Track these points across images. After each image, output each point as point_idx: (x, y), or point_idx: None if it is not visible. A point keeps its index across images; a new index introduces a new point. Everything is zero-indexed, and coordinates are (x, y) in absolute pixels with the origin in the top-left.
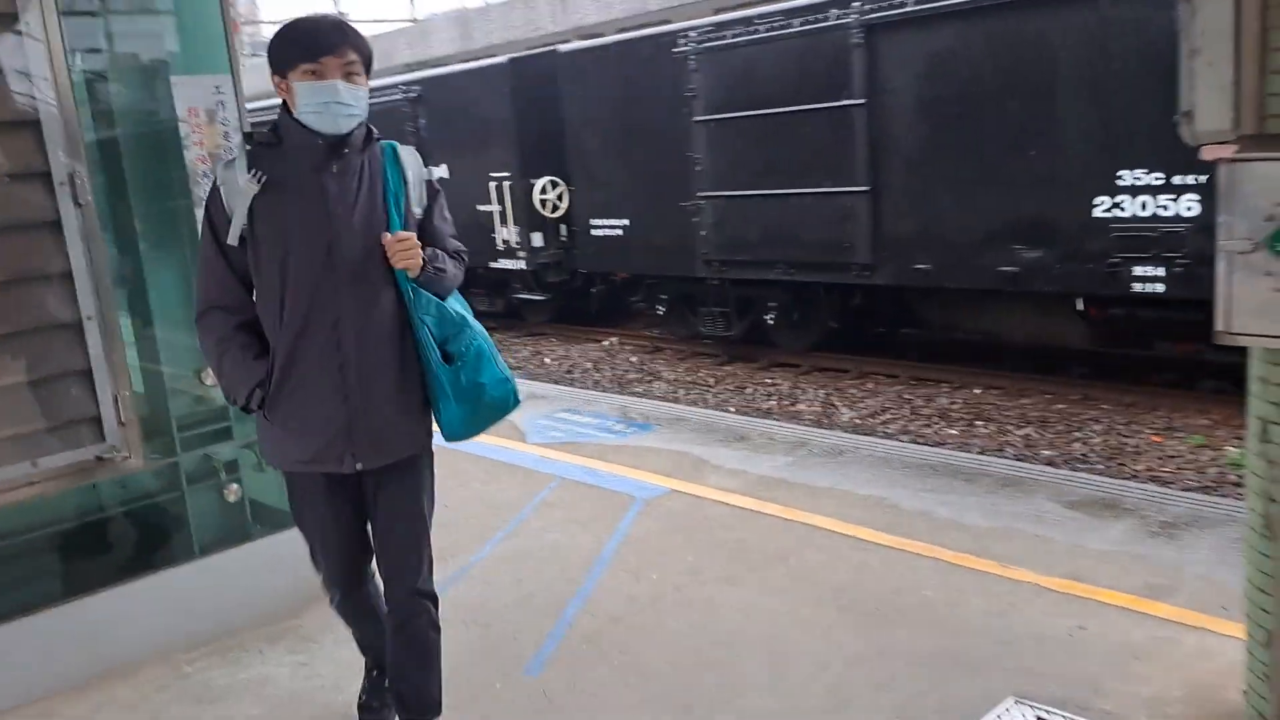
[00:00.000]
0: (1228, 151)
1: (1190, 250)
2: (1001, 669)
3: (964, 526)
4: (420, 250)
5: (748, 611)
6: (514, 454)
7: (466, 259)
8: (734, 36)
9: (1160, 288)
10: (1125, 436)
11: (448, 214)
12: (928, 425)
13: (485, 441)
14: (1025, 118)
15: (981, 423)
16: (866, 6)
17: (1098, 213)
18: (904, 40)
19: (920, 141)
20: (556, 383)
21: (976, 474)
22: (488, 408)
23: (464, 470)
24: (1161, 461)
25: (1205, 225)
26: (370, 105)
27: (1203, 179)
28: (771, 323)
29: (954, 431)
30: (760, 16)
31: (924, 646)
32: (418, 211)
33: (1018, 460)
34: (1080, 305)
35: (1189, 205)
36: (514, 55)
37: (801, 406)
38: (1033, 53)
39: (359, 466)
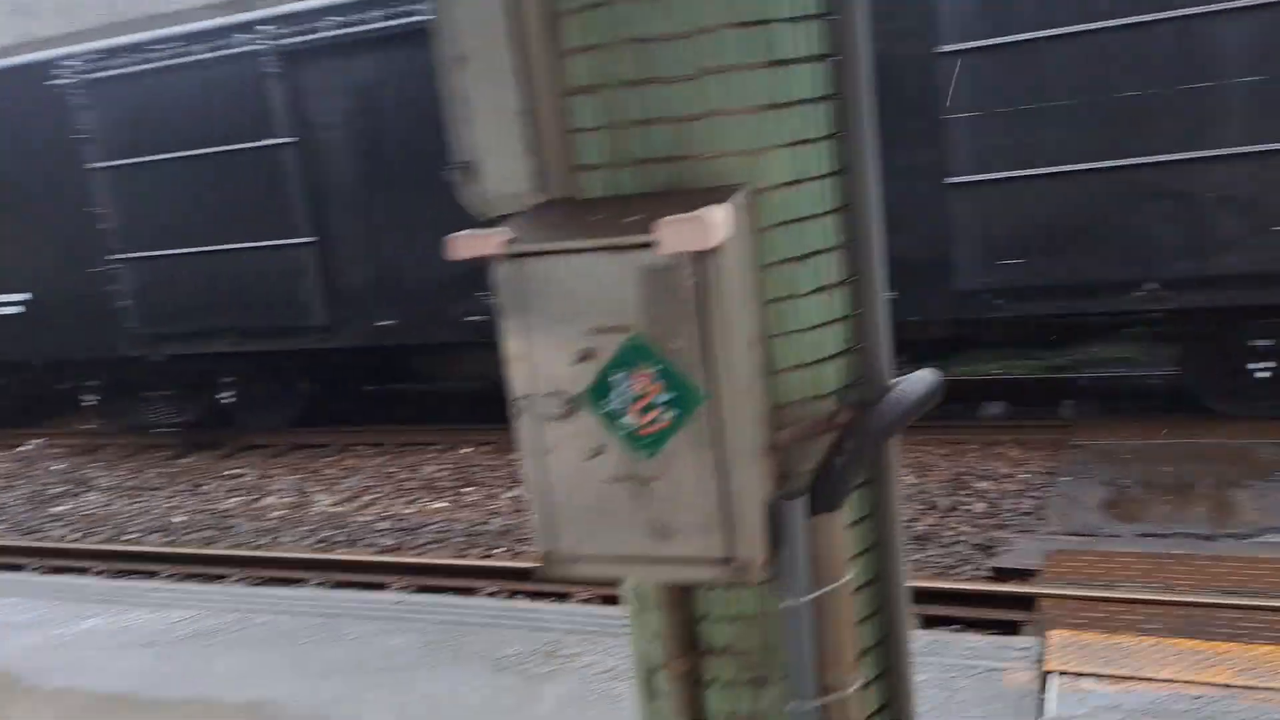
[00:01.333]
0: (497, 245)
1: None
2: None
3: None
4: None
5: None
6: None
7: None
8: (129, 66)
9: None
10: None
11: None
12: (412, 502)
13: None
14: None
15: (471, 488)
16: (281, 31)
17: None
18: (328, 70)
19: (361, 182)
20: None
21: (406, 620)
22: None
23: None
24: None
25: None
26: None
27: None
28: (232, 401)
29: (441, 505)
30: (154, 42)
31: None
32: None
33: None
34: None
35: None
36: None
37: (271, 499)
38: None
39: None
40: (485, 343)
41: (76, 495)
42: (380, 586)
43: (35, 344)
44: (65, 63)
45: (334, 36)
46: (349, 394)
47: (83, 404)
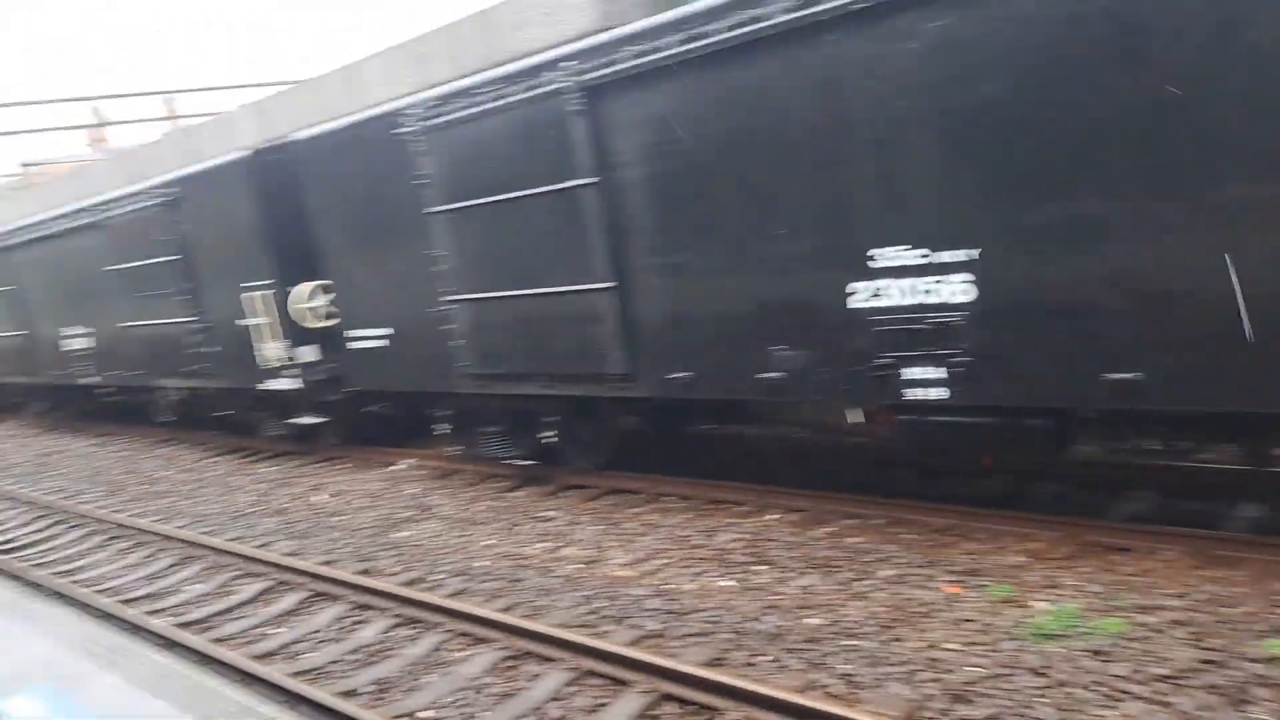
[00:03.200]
0: None
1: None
2: None
3: None
4: None
5: None
6: None
7: None
8: (458, 110)
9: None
10: (917, 586)
11: None
12: (698, 576)
13: None
14: (764, 189)
15: (763, 566)
16: (584, 65)
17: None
18: (628, 103)
19: (659, 221)
20: (305, 535)
21: None
22: None
23: None
24: (949, 630)
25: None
26: (123, 213)
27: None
28: (554, 441)
29: (726, 584)
30: (481, 86)
31: None
32: None
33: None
34: (858, 416)
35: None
36: (257, 146)
37: (570, 550)
38: (761, 107)
39: None
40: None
41: (418, 522)
42: (621, 684)
43: (397, 375)
44: (408, 111)
45: (632, 67)
46: (671, 437)
47: (440, 431)
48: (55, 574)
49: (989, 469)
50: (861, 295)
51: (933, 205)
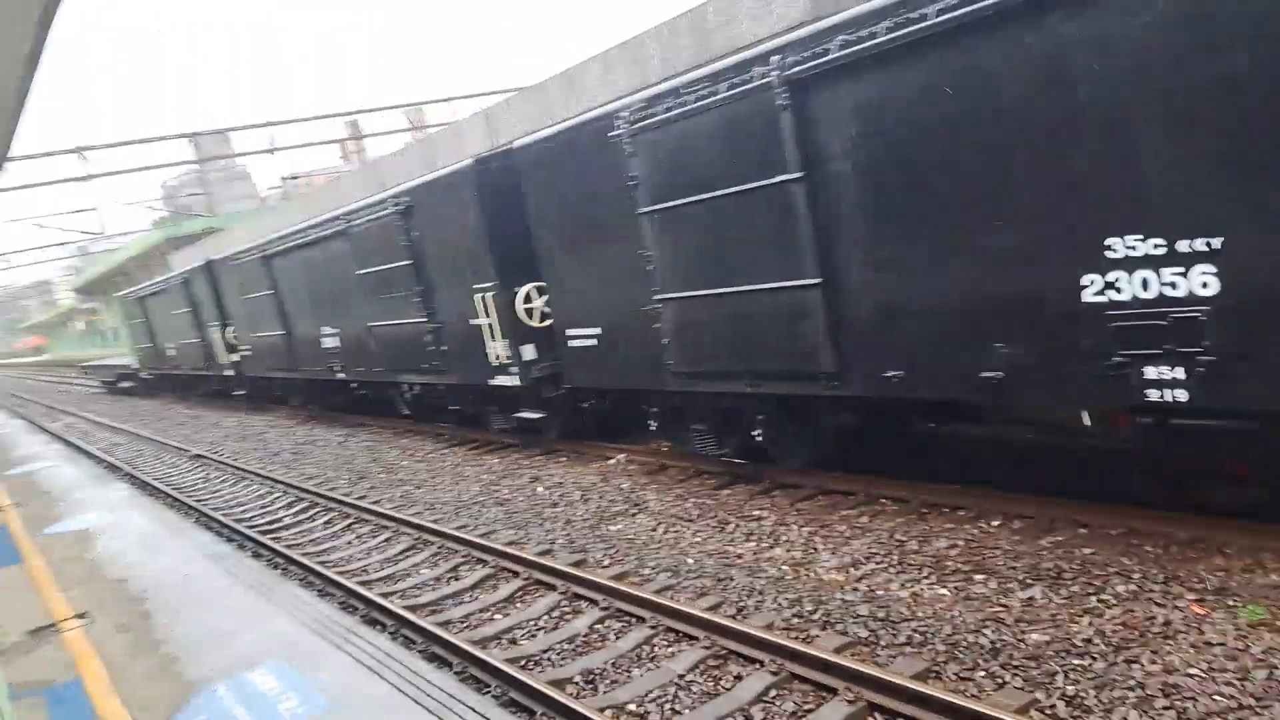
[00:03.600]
0: None
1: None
2: None
3: None
4: None
5: None
6: None
7: None
8: (665, 111)
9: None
10: (1155, 604)
11: None
12: (911, 583)
13: None
14: (984, 178)
15: (982, 576)
16: (789, 59)
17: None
18: (836, 95)
19: (866, 215)
20: (524, 525)
21: None
22: None
23: None
24: (1191, 654)
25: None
26: (364, 221)
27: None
28: (761, 440)
29: (943, 592)
30: (688, 85)
31: None
32: None
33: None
34: (1086, 419)
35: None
36: (479, 155)
37: (779, 551)
38: (979, 92)
39: None
40: (1000, 403)
41: (630, 516)
42: (827, 690)
43: (607, 373)
44: (619, 114)
45: (840, 57)
46: (884, 437)
47: (651, 427)
48: (305, 554)
49: (1244, 477)
50: (1097, 288)
51: (1174, 191)
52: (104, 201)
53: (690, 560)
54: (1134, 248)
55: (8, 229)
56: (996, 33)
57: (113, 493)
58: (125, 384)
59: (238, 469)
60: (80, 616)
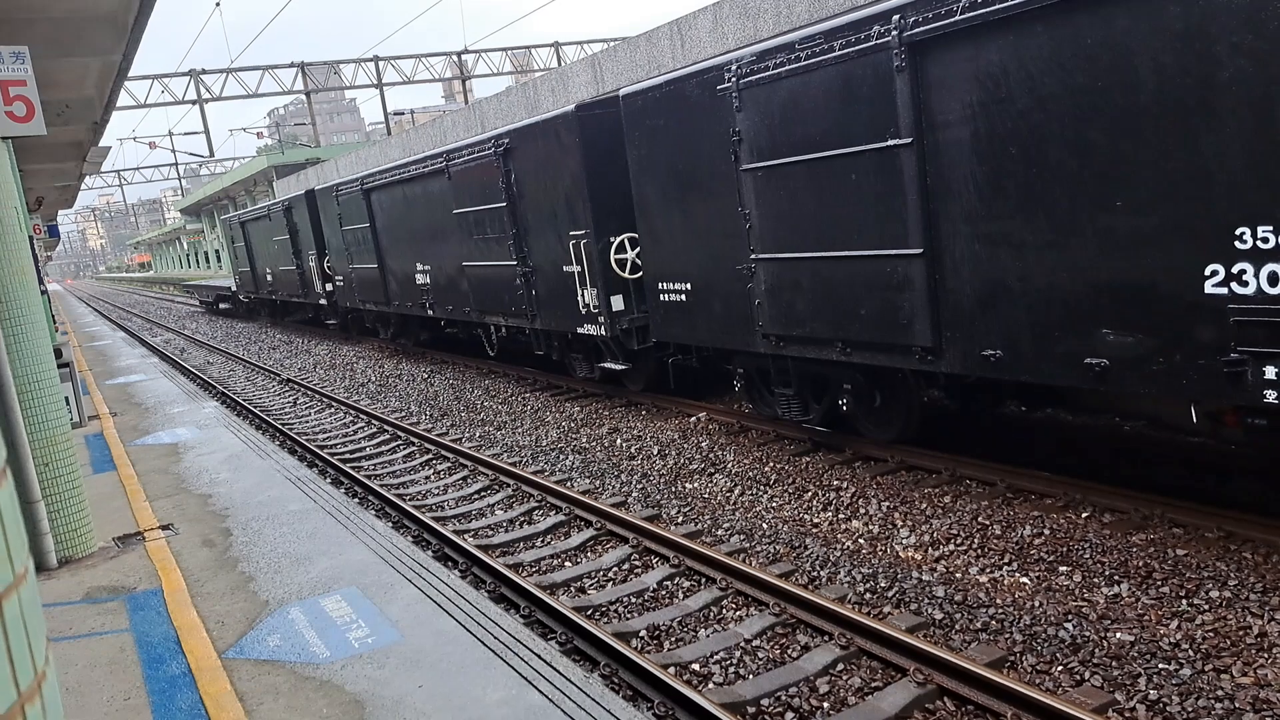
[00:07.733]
0: None
1: None
2: None
3: None
4: None
5: None
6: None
7: None
8: (776, 67)
9: None
10: (1251, 614)
11: None
12: (992, 569)
13: None
14: (1107, 155)
15: (1067, 568)
16: (910, 20)
17: (1210, 287)
18: (955, 59)
19: (977, 186)
20: (601, 475)
21: None
22: None
23: None
24: None
25: None
26: (463, 161)
27: None
28: (846, 409)
29: (1025, 581)
30: (803, 41)
31: None
32: None
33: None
34: (1193, 416)
35: None
36: (581, 102)
37: (855, 524)
38: (1108, 63)
39: None
40: (1103, 391)
41: (707, 475)
42: (896, 669)
43: (695, 329)
44: (730, 67)
45: (962, 20)
46: (976, 416)
47: (736, 387)
48: (384, 485)
49: None
50: (1220, 279)
51: None
52: (213, 126)
53: (765, 525)
54: (1266, 239)
55: (124, 147)
56: (1135, 1)
57: (204, 410)
58: (223, 305)
59: (325, 396)
60: (165, 528)
